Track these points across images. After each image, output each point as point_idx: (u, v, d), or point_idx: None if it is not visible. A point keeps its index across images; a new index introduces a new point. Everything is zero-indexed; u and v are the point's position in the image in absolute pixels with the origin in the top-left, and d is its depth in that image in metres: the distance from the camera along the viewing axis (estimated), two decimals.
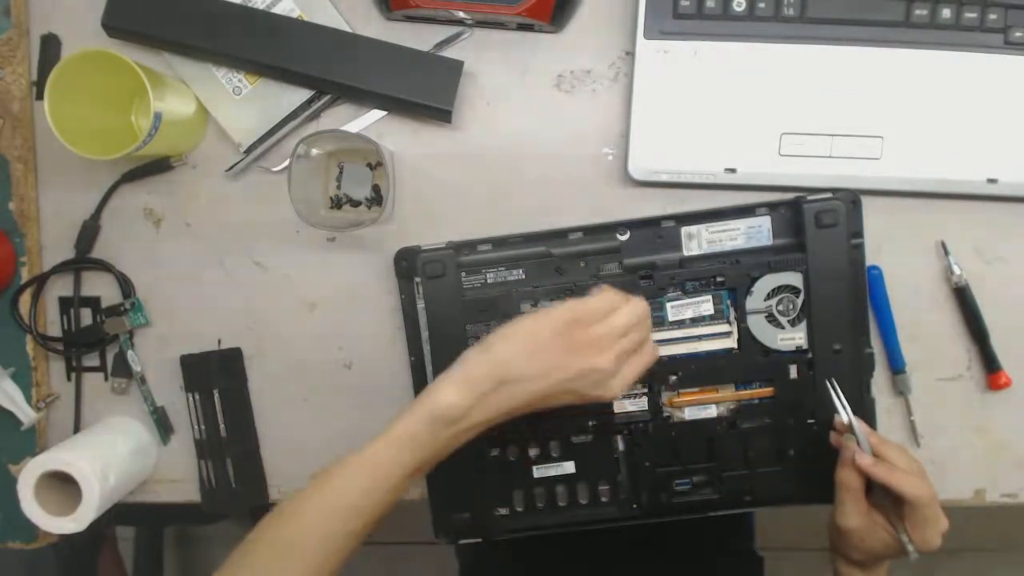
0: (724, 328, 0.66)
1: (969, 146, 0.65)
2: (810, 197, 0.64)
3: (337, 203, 0.70)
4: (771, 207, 0.65)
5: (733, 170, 0.66)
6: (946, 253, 0.67)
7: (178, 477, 0.73)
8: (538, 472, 0.68)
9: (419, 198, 0.70)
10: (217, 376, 0.71)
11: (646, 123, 0.66)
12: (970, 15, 0.63)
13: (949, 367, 0.69)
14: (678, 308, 0.66)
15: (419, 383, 0.68)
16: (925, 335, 0.68)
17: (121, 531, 1.45)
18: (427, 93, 0.66)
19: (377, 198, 0.70)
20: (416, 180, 0.70)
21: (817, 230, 0.64)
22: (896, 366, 0.68)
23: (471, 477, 0.68)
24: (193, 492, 0.73)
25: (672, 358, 0.66)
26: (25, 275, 0.71)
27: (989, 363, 0.68)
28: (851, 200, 0.64)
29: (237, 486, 0.72)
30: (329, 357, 0.71)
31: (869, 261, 0.66)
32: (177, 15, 0.66)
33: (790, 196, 0.65)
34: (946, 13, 0.63)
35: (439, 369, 0.67)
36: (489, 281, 0.67)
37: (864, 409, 0.66)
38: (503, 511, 0.68)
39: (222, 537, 1.59)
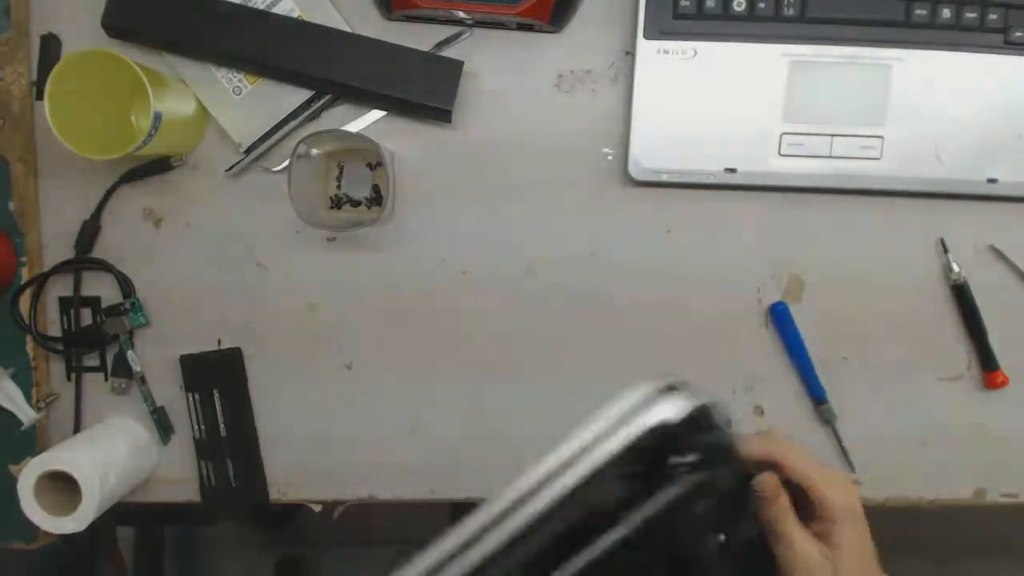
0: None
1: (969, 146, 0.65)
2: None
3: (337, 203, 0.70)
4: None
5: (733, 170, 0.66)
6: (945, 251, 0.67)
7: (178, 477, 0.73)
8: None
9: (419, 198, 0.70)
10: (217, 376, 0.71)
11: (646, 123, 0.66)
12: (970, 15, 0.63)
13: (950, 367, 0.69)
14: None
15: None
16: (925, 335, 0.68)
17: (121, 531, 1.45)
18: (427, 93, 0.66)
19: (377, 198, 0.70)
20: (416, 180, 0.70)
21: None
22: (818, 397, 0.68)
23: None
24: (193, 492, 0.73)
25: None
26: (25, 275, 0.71)
27: (987, 361, 0.68)
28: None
29: (237, 486, 0.72)
30: (329, 357, 0.71)
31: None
32: (177, 15, 0.66)
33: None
34: (946, 13, 0.63)
35: None
36: None
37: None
38: None
39: (222, 538, 1.60)
